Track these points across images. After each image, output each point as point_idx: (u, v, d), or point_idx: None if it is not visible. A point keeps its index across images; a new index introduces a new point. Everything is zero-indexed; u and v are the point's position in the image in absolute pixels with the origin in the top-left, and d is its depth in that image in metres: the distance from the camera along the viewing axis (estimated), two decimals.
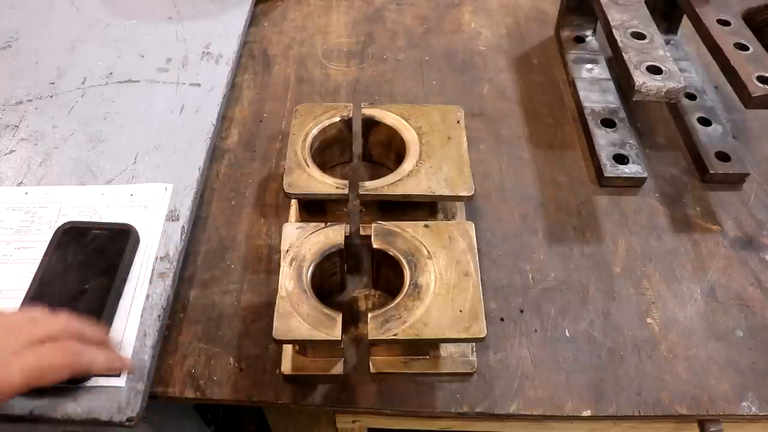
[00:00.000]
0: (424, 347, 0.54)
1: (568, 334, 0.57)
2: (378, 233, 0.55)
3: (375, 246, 0.54)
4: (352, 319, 0.57)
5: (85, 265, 0.55)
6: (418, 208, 0.61)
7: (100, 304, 0.53)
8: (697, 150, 0.70)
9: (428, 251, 0.54)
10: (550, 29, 0.88)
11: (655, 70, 0.60)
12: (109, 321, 0.53)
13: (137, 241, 0.59)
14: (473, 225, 0.56)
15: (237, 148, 0.72)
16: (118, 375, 0.50)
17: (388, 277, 0.56)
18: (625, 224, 0.65)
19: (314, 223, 0.55)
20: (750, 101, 0.58)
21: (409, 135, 0.63)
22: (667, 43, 0.82)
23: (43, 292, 0.51)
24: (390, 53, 0.85)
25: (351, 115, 0.65)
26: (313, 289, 0.51)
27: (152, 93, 0.75)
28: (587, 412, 0.53)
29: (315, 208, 0.63)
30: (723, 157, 0.70)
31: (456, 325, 0.49)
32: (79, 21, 0.85)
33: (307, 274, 0.52)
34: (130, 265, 0.57)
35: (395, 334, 0.49)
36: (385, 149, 0.67)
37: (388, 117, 0.65)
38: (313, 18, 0.91)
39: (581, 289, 0.60)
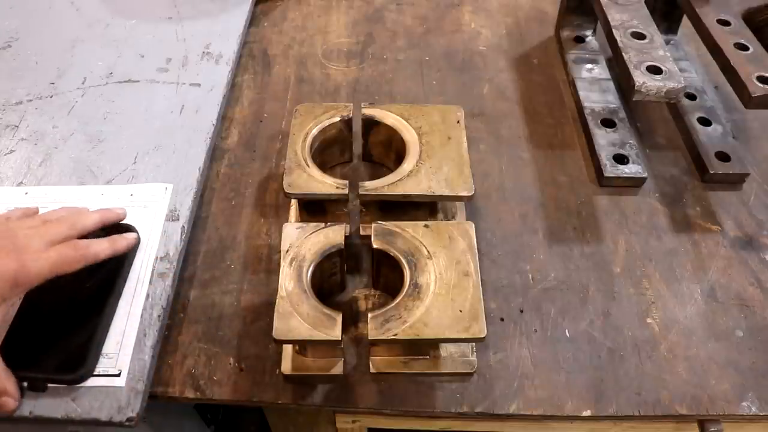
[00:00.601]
0: (424, 347, 0.54)
1: (568, 334, 0.57)
2: (378, 233, 0.55)
3: (375, 246, 0.54)
4: (352, 319, 0.57)
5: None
6: (418, 208, 0.61)
7: (100, 304, 0.54)
8: (697, 150, 0.70)
9: (428, 251, 0.54)
10: (550, 29, 0.88)
11: (655, 70, 0.59)
12: (109, 321, 0.53)
13: (137, 241, 0.59)
14: (473, 225, 0.56)
15: (237, 148, 0.72)
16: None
17: (388, 277, 0.56)
18: (625, 224, 0.65)
19: (314, 223, 0.55)
20: (750, 101, 0.58)
21: (409, 135, 0.63)
22: (667, 43, 0.82)
23: (43, 291, 0.51)
24: (390, 53, 0.85)
25: (351, 115, 0.65)
26: (313, 289, 0.51)
27: (152, 93, 0.75)
28: (587, 412, 0.53)
29: (315, 208, 0.63)
30: (723, 157, 0.70)
31: (456, 325, 0.49)
32: (79, 21, 0.85)
33: (307, 274, 0.52)
34: (130, 265, 0.57)
35: (395, 334, 0.49)
36: (385, 149, 0.67)
37: (388, 117, 0.65)
38: (313, 18, 0.91)
39: (581, 289, 0.60)
